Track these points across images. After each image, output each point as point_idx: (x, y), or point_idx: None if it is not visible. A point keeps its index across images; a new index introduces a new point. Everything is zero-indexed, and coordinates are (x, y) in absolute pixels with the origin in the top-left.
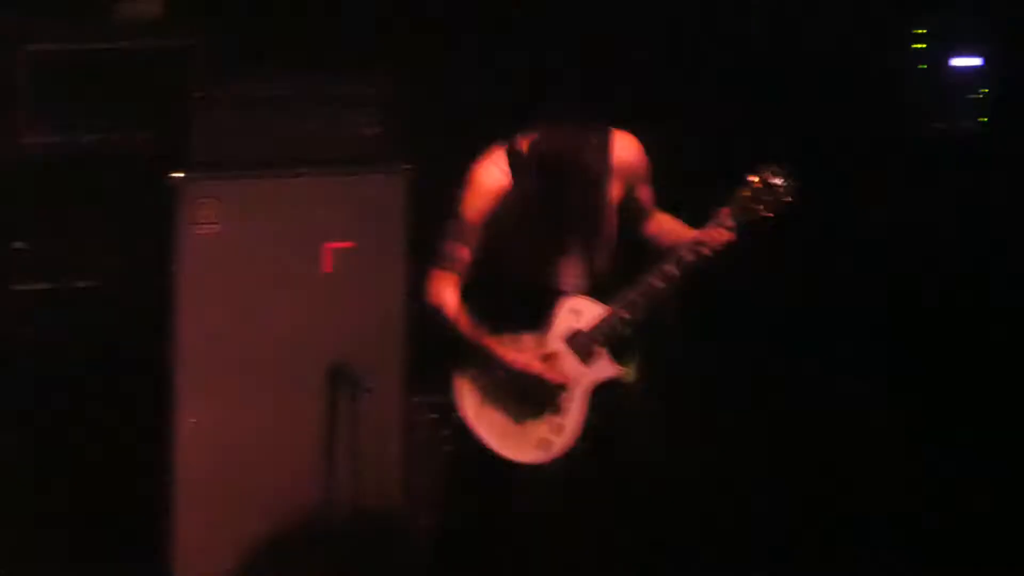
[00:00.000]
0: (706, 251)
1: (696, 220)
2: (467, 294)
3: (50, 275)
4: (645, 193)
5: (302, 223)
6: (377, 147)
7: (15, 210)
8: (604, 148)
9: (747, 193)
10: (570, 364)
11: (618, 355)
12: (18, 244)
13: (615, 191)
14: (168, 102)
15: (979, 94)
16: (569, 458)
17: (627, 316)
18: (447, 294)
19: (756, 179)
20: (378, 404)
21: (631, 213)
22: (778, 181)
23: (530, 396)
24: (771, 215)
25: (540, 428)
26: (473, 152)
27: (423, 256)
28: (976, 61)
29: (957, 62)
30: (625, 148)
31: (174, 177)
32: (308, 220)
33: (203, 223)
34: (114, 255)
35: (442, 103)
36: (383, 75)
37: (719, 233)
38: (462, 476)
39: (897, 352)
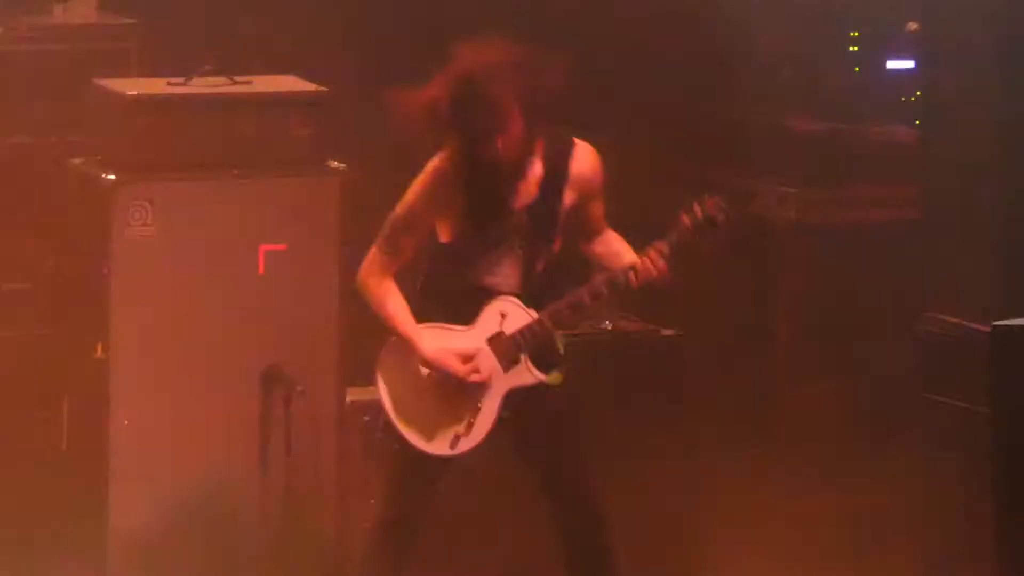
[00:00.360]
0: (637, 281)
1: (645, 235)
2: (403, 280)
3: None
4: (596, 208)
5: (236, 225)
6: (310, 148)
7: None
8: (564, 155)
9: (686, 224)
10: (489, 365)
11: (540, 362)
12: None
13: (567, 200)
14: (101, 104)
15: (913, 97)
16: (480, 454)
17: (550, 326)
18: (380, 277)
19: (697, 211)
20: (312, 405)
21: (579, 226)
22: (718, 216)
23: (446, 391)
24: (708, 245)
25: (452, 423)
26: (408, 152)
27: (357, 257)
28: (909, 64)
29: (891, 65)
30: (584, 159)
31: (107, 179)
32: (242, 222)
33: (136, 225)
34: (47, 258)
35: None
36: (316, 75)
37: (654, 262)
38: (394, 468)
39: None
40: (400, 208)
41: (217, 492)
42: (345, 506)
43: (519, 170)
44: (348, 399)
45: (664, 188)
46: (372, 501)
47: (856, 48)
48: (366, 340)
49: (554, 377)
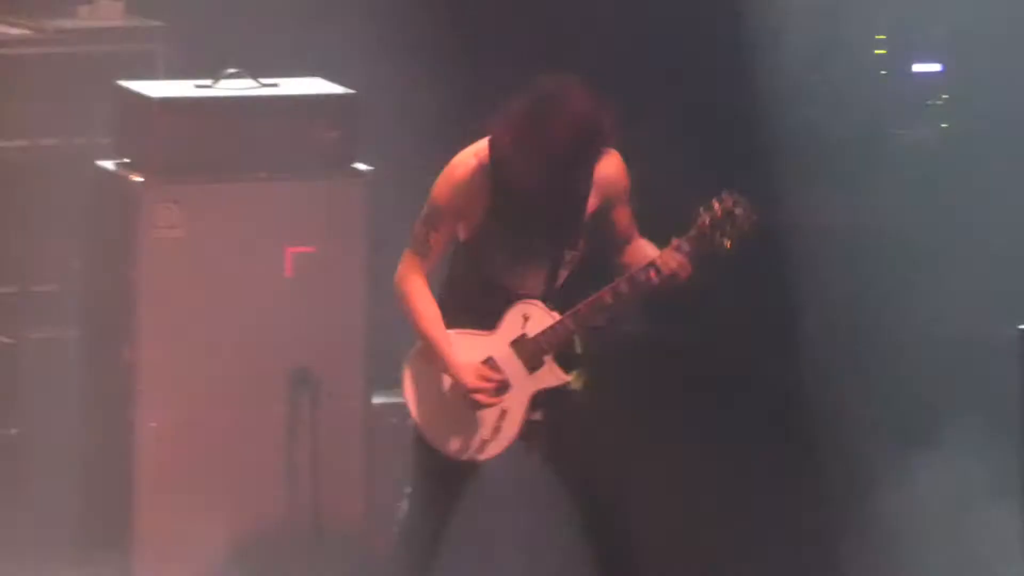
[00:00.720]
0: (658, 278)
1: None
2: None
3: (11, 279)
4: (622, 214)
5: (262, 227)
6: (337, 151)
7: None
8: (590, 159)
9: (706, 222)
10: (513, 368)
11: (565, 363)
12: None
13: (592, 204)
14: (127, 106)
15: (939, 100)
16: (509, 458)
17: (573, 327)
18: (412, 277)
19: (716, 208)
20: (339, 408)
21: (607, 233)
22: (738, 211)
23: (468, 397)
24: (729, 245)
25: (479, 428)
26: (436, 155)
27: (384, 260)
28: (936, 67)
29: (918, 68)
30: (608, 165)
31: (135, 182)
32: (269, 224)
33: (163, 227)
34: (74, 260)
35: (406, 106)
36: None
37: (674, 261)
38: (421, 473)
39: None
40: (429, 202)
41: (244, 495)
42: (372, 509)
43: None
44: (375, 401)
45: (690, 192)
46: (400, 504)
47: (883, 51)
48: (393, 342)
49: (576, 379)
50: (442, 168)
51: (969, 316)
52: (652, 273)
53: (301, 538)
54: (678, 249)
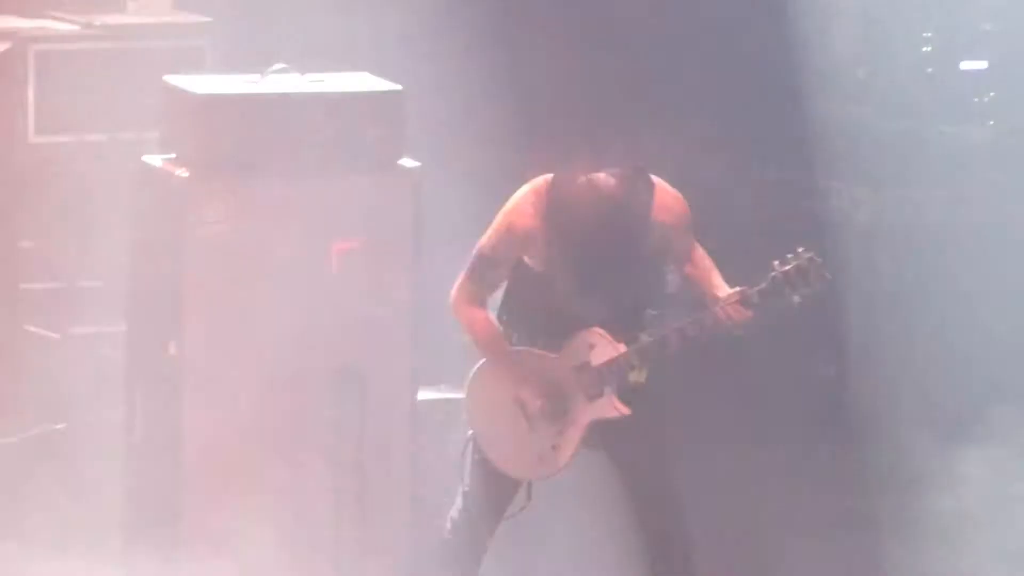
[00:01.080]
0: (726, 326)
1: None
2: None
3: (58, 274)
4: (684, 243)
5: (308, 223)
6: (383, 146)
7: (23, 209)
8: (645, 203)
9: (779, 277)
10: (573, 394)
11: (624, 391)
12: (25, 243)
13: (653, 242)
14: (174, 102)
15: (986, 98)
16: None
17: (637, 362)
18: (467, 306)
19: (791, 263)
20: (384, 403)
21: (670, 257)
22: (812, 269)
23: (531, 417)
24: (798, 301)
25: (535, 449)
26: (484, 151)
27: (430, 255)
28: (982, 65)
29: (965, 65)
30: (664, 207)
31: (181, 177)
32: (314, 220)
33: (210, 223)
34: (121, 255)
35: (454, 101)
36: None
37: (740, 315)
38: (474, 481)
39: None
40: (488, 241)
41: (289, 491)
42: (418, 504)
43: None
44: (421, 397)
45: (740, 188)
46: (454, 500)
47: (930, 49)
48: (439, 338)
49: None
50: (489, 165)
51: (1016, 311)
52: (719, 314)
53: (347, 532)
54: (747, 301)
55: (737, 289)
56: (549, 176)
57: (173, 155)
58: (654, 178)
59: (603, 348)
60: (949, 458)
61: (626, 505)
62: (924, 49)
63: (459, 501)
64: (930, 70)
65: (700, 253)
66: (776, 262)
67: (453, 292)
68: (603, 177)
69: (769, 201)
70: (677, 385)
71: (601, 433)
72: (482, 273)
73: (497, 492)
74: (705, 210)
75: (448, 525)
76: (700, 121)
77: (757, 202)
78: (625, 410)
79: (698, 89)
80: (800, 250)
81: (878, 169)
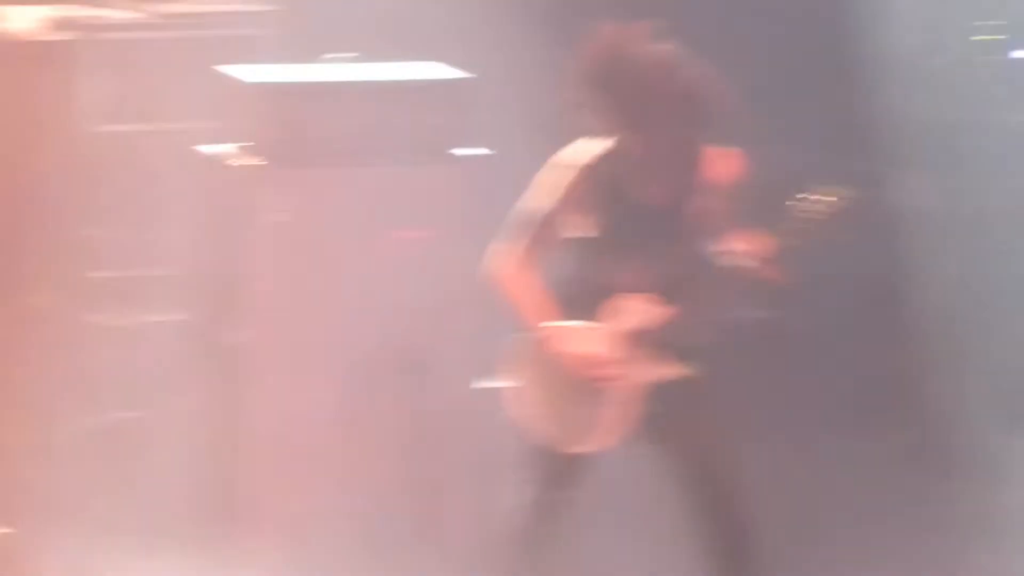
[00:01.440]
0: (757, 265)
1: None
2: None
3: (123, 263)
4: (728, 204)
5: (371, 211)
6: (448, 134)
7: (87, 199)
8: (698, 158)
9: (801, 207)
10: (623, 361)
11: (673, 355)
12: (90, 232)
13: (702, 202)
14: (237, 91)
15: None
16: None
17: (686, 322)
18: (518, 270)
19: (810, 195)
20: (446, 392)
21: (708, 225)
22: (831, 198)
23: (583, 388)
24: (822, 231)
25: (589, 419)
26: (546, 139)
27: (492, 243)
28: None
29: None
30: (719, 165)
31: (244, 166)
32: (377, 208)
33: (272, 212)
34: (184, 245)
35: (521, 89)
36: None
37: (766, 244)
38: (531, 461)
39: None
40: (536, 202)
41: (351, 479)
42: (479, 491)
43: (672, 173)
44: (482, 386)
45: (798, 176)
46: (513, 488)
47: (987, 38)
48: (500, 327)
49: (684, 370)
50: (549, 156)
51: None
52: (751, 259)
53: (408, 521)
54: (772, 233)
55: (757, 240)
56: (594, 141)
57: (236, 144)
58: (708, 143)
59: (649, 312)
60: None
61: (680, 489)
62: (988, 37)
63: (519, 486)
64: (991, 57)
65: (738, 232)
66: (793, 203)
67: (494, 262)
68: (650, 141)
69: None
70: (741, 373)
71: (652, 412)
72: (533, 234)
73: (553, 471)
74: (772, 197)
75: (510, 511)
76: (757, 110)
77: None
78: (677, 371)
79: (757, 80)
80: (819, 185)
81: (937, 157)
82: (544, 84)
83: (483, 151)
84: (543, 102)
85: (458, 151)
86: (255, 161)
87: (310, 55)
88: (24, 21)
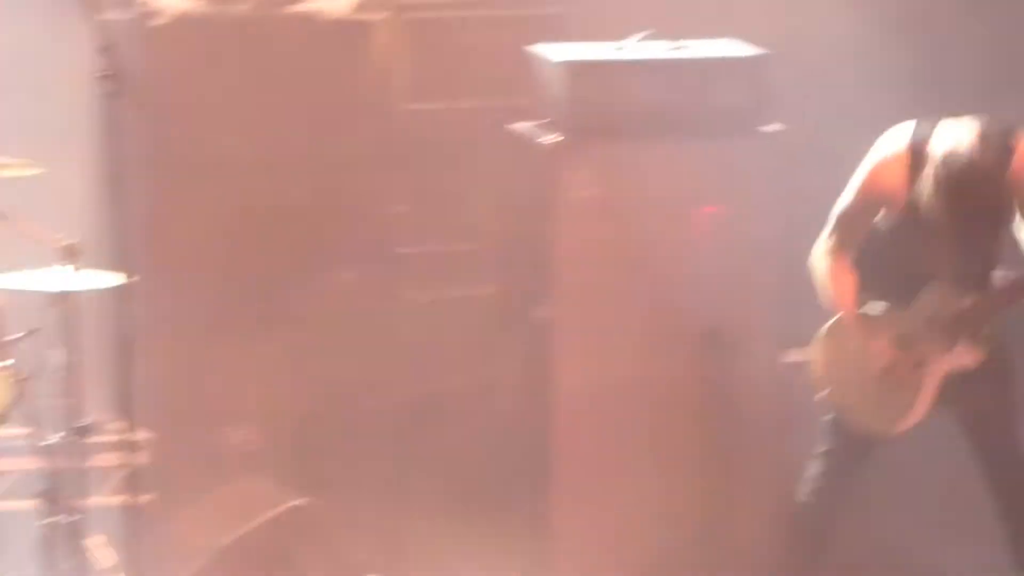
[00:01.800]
0: None
1: None
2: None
3: (432, 239)
4: None
5: (673, 187)
6: (748, 111)
7: (397, 176)
8: (1008, 150)
9: None
10: (927, 347)
11: (976, 340)
12: (400, 208)
13: (1010, 194)
14: (540, 70)
15: None
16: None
17: (986, 315)
18: (831, 257)
19: None
20: (751, 367)
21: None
22: None
23: (888, 373)
24: None
25: (892, 403)
26: (847, 115)
27: (795, 220)
28: None
29: None
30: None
31: (549, 143)
32: (679, 184)
33: (577, 188)
34: (493, 219)
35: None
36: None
37: None
38: (830, 443)
39: None
40: (848, 200)
41: (657, 451)
42: (784, 465)
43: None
44: (787, 360)
45: None
46: (810, 462)
47: None
48: (804, 301)
49: (986, 355)
50: (852, 127)
51: None
52: None
53: (714, 492)
54: None
55: None
56: (906, 130)
57: (542, 121)
58: (1018, 133)
59: (954, 301)
60: None
61: (977, 466)
62: None
63: (817, 463)
64: None
65: None
66: None
67: (814, 251)
68: (962, 132)
69: None
70: None
71: (950, 391)
72: (841, 231)
73: (852, 451)
74: None
75: (807, 487)
76: None
77: None
78: (981, 356)
79: None
80: None
81: None
82: (840, 60)
83: (781, 126)
84: (839, 78)
85: (759, 126)
86: (562, 137)
87: (614, 34)
88: (339, 2)
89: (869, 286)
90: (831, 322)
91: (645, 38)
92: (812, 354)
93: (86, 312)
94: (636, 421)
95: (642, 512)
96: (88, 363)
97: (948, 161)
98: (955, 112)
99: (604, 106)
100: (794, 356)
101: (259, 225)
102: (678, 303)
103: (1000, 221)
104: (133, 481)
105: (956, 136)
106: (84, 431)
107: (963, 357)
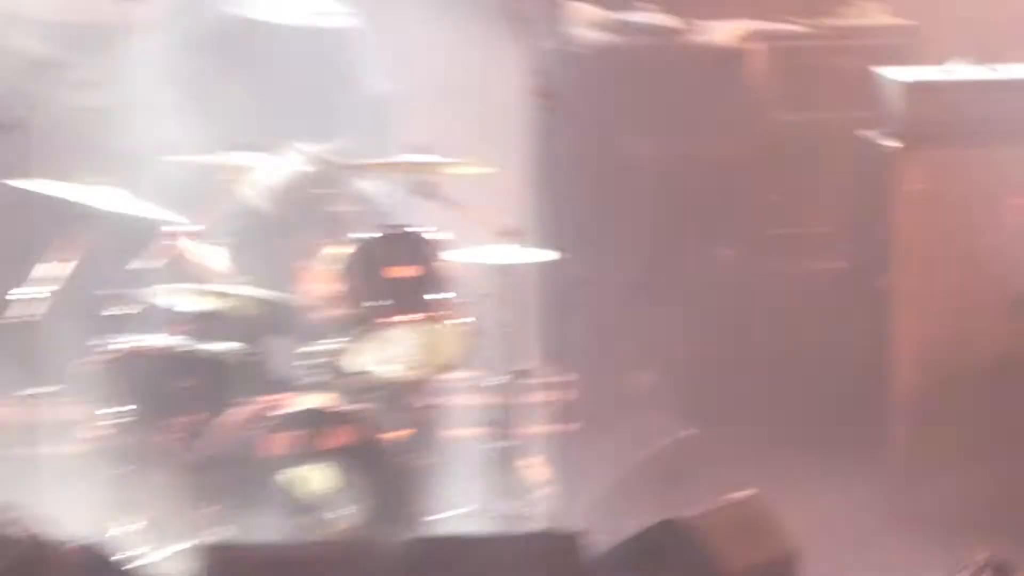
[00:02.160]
0: None
1: None
2: None
3: (796, 223)
4: None
5: (990, 183)
6: None
7: (769, 173)
8: None
9: None
10: None
11: None
12: (772, 198)
13: None
14: (885, 88)
15: None
16: None
17: None
18: None
19: None
20: None
21: None
22: None
23: None
24: None
25: None
26: None
27: None
28: None
29: None
30: None
31: (892, 147)
32: (995, 181)
33: (912, 183)
34: (844, 207)
35: None
36: None
37: None
38: None
39: None
40: None
41: (997, 421)
42: None
43: None
44: None
45: None
46: None
47: None
48: None
49: None
50: None
51: None
52: None
53: None
54: None
55: None
56: None
57: (885, 130)
58: None
59: None
60: None
61: None
62: None
63: None
64: None
65: None
66: None
67: None
68: None
69: None
70: None
71: None
72: None
73: None
74: None
75: None
76: None
77: None
78: None
79: None
80: None
81: None
82: None
83: None
84: None
85: None
86: (900, 143)
87: (940, 58)
88: (724, 33)
89: None
90: None
91: (968, 62)
92: None
93: (525, 281)
94: (962, 374)
95: (975, 454)
96: (527, 321)
97: None
98: None
99: (935, 117)
100: None
101: (661, 212)
102: (995, 273)
103: None
104: (561, 414)
105: None
106: (523, 374)
107: None
